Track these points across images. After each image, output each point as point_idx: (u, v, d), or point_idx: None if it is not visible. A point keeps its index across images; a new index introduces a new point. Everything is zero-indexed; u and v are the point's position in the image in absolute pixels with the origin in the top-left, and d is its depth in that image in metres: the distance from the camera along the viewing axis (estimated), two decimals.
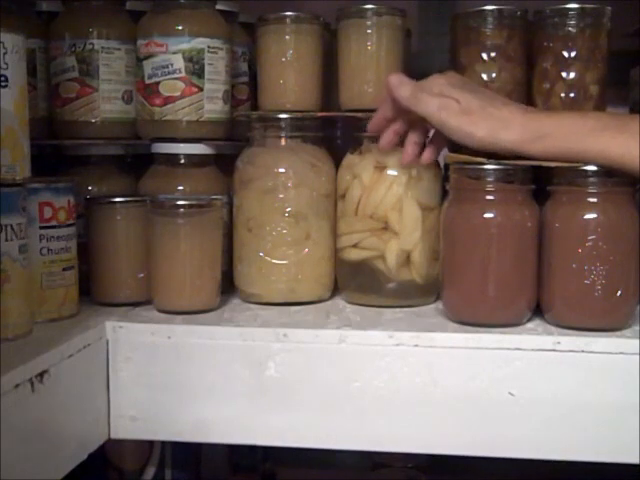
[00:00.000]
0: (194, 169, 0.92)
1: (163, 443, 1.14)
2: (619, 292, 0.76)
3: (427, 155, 0.83)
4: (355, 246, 0.87)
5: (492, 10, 0.88)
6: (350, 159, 0.88)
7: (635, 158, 0.72)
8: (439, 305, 0.84)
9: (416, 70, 0.92)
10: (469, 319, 0.78)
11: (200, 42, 0.88)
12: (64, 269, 0.80)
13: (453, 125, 0.78)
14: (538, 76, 0.89)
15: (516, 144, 0.77)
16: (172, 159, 0.91)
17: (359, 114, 0.89)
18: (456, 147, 0.89)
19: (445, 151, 0.90)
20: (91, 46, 0.92)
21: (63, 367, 0.70)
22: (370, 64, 0.91)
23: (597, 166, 0.75)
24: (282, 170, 0.87)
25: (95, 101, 0.93)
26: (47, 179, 0.79)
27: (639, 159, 0.72)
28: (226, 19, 0.94)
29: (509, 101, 0.81)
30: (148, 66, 0.89)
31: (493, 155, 0.81)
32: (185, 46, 0.88)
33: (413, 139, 0.83)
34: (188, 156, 0.91)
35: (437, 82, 0.80)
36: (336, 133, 1.05)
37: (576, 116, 0.78)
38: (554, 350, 0.73)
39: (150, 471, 1.14)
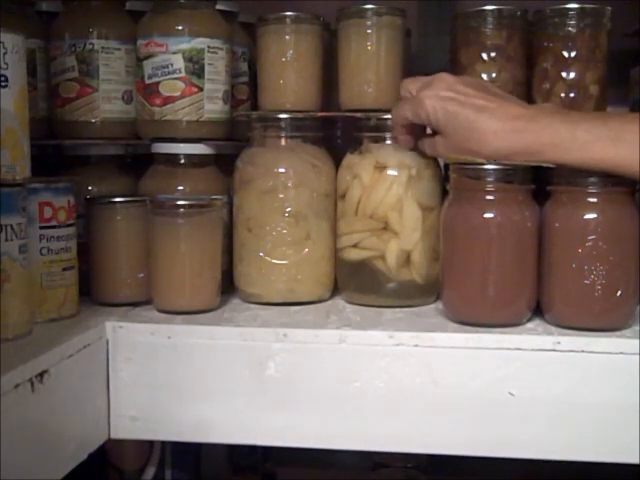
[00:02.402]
0: (194, 169, 0.92)
1: (163, 443, 1.14)
2: (619, 292, 0.76)
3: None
4: (355, 246, 0.87)
5: (492, 10, 0.88)
6: (350, 159, 0.88)
7: (632, 166, 0.72)
8: (439, 305, 0.84)
9: (416, 70, 0.92)
10: (469, 319, 0.78)
11: (200, 42, 0.88)
12: (64, 269, 0.80)
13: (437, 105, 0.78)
14: (538, 76, 0.89)
15: (504, 159, 0.77)
16: (172, 159, 0.91)
17: (359, 114, 0.89)
18: None
19: None
20: (91, 46, 0.92)
21: (63, 367, 0.70)
22: (370, 64, 0.91)
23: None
24: (282, 170, 0.87)
25: (95, 101, 0.93)
26: (47, 179, 0.78)
27: (638, 166, 0.71)
28: (226, 19, 0.94)
29: (495, 107, 0.77)
30: (148, 66, 0.89)
31: None
32: (185, 46, 0.88)
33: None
34: (188, 156, 0.91)
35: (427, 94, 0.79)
36: (336, 133, 1.05)
37: (565, 129, 0.74)
38: (554, 350, 0.73)
39: (150, 471, 1.14)
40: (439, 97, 0.78)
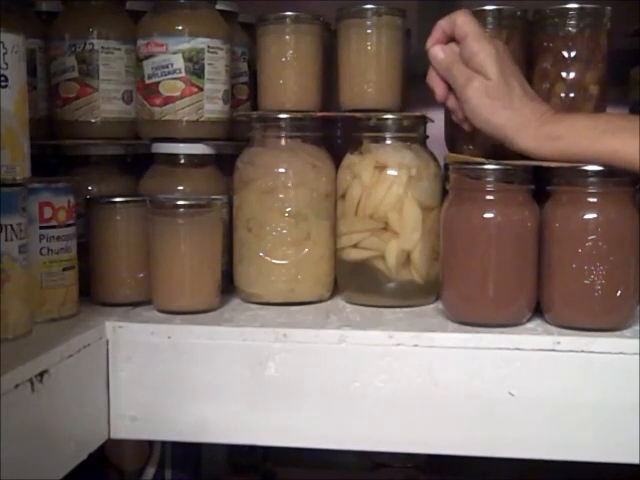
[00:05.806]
0: (194, 169, 0.92)
1: (163, 443, 1.14)
2: (619, 292, 0.76)
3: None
4: (355, 246, 0.87)
5: (492, 10, 0.88)
6: (350, 159, 0.88)
7: None
8: (439, 305, 0.84)
9: (416, 70, 0.92)
10: (469, 319, 0.78)
11: (200, 42, 0.88)
12: (64, 269, 0.80)
13: (473, 104, 0.79)
14: (538, 76, 0.89)
15: (526, 151, 0.78)
16: (172, 159, 0.91)
17: (359, 114, 0.89)
18: (455, 147, 0.89)
19: (445, 151, 0.91)
20: (91, 46, 0.92)
21: (63, 367, 0.70)
22: (370, 64, 0.91)
23: (609, 167, 0.75)
24: (282, 170, 0.87)
25: (95, 101, 0.93)
26: (47, 179, 0.79)
27: None
28: (226, 19, 0.94)
29: (530, 95, 0.80)
30: (148, 66, 0.89)
31: (494, 154, 0.81)
32: (185, 46, 0.88)
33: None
34: (188, 156, 0.91)
35: (481, 47, 0.79)
36: (336, 133, 1.05)
37: (587, 118, 0.78)
38: (554, 350, 0.73)
39: (150, 471, 1.14)
40: (483, 100, 0.79)
